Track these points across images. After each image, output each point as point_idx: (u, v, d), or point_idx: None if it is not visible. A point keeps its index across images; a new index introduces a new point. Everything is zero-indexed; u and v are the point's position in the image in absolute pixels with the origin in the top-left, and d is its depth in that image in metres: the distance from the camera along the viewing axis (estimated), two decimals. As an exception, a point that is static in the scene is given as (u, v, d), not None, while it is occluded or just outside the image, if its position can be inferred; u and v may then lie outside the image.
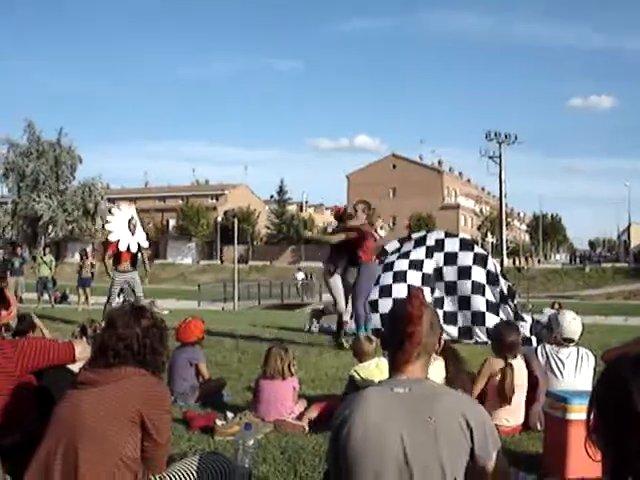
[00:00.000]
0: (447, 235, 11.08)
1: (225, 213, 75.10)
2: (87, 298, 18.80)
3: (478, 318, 9.84)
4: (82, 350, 3.44)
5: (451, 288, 10.22)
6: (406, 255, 10.70)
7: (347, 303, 8.78)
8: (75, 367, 3.28)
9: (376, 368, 4.80)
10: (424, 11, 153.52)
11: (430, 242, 10.76)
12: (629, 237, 78.53)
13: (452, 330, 9.84)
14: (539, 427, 4.64)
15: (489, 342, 5.75)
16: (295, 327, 12.22)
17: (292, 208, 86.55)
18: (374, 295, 10.12)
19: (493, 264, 10.46)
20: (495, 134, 52.39)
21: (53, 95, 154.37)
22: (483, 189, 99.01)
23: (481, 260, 10.32)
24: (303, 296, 43.74)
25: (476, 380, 4.88)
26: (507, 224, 61.54)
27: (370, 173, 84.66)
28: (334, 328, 9.47)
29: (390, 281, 10.34)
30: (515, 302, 10.36)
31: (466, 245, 10.71)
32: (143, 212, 12.52)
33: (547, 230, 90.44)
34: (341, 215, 9.04)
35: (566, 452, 3.70)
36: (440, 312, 9.45)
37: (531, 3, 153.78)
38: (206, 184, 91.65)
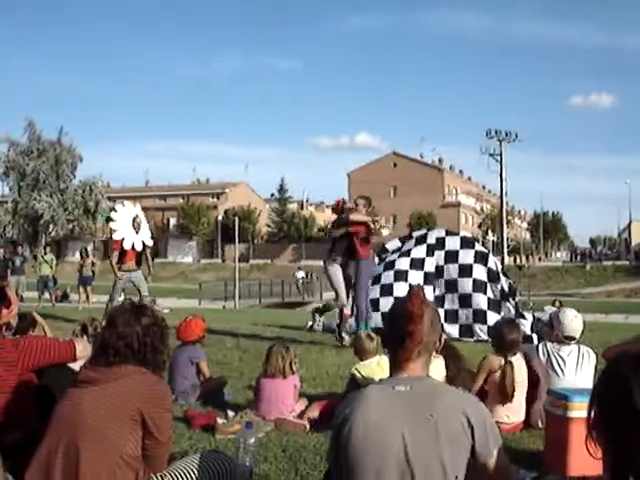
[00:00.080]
0: (448, 233, 11.08)
1: (226, 212, 75.13)
2: (88, 297, 18.80)
3: (479, 316, 9.84)
4: (83, 349, 3.44)
5: (452, 286, 10.22)
6: (407, 253, 10.70)
7: (348, 296, 8.78)
8: (76, 366, 3.28)
9: (377, 366, 4.80)
10: (424, 9, 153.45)
11: (431, 240, 10.76)
12: (630, 235, 78.49)
13: (453, 328, 9.84)
14: (540, 425, 4.64)
15: (490, 340, 5.76)
16: (296, 325, 12.25)
17: (293, 206, 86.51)
18: (375, 294, 10.13)
19: (494, 262, 10.46)
20: (496, 132, 52.41)
21: (53, 95, 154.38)
22: (484, 187, 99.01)
23: (482, 258, 10.33)
24: (304, 294, 43.75)
25: (475, 378, 4.88)
26: (508, 222, 61.55)
27: (371, 171, 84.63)
28: (334, 326, 9.48)
29: (391, 280, 10.35)
30: (516, 300, 10.37)
31: (467, 243, 10.71)
32: (144, 211, 12.47)
33: (548, 228, 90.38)
34: (340, 209, 9.03)
35: (567, 450, 3.71)
36: (441, 311, 9.46)
37: (531, 1, 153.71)
38: (207, 183, 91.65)
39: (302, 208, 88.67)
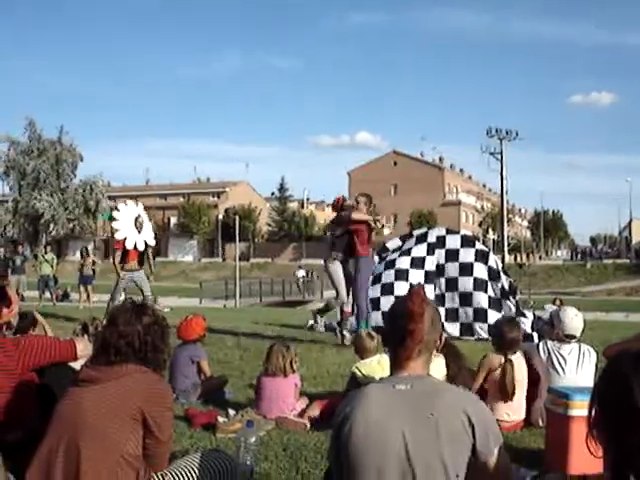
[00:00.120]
0: (448, 232, 11.07)
1: (226, 210, 75.13)
2: (89, 296, 18.81)
3: (480, 315, 9.83)
4: (83, 348, 3.45)
5: (452, 284, 10.21)
6: (407, 252, 10.69)
7: (348, 293, 8.79)
8: (77, 365, 3.28)
9: (378, 365, 4.80)
10: (424, 8, 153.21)
11: (431, 239, 10.76)
12: (630, 233, 78.46)
13: (453, 327, 9.84)
14: (541, 423, 4.64)
15: (490, 339, 5.76)
16: (297, 324, 12.25)
17: (293, 205, 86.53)
18: (376, 293, 10.13)
19: (494, 260, 10.46)
20: (496, 130, 52.30)
21: (53, 94, 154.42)
22: (484, 186, 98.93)
23: (482, 257, 10.32)
24: (304, 293, 43.76)
25: (475, 376, 4.89)
26: (508, 220, 61.45)
27: (371, 170, 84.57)
28: (335, 325, 9.48)
29: (392, 279, 10.34)
30: (516, 298, 10.36)
31: (467, 242, 10.71)
32: (144, 210, 12.51)
33: (548, 226, 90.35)
34: (340, 206, 9.03)
35: (568, 448, 3.70)
36: (441, 309, 9.46)
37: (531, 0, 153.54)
38: (207, 182, 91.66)
39: (302, 207, 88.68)
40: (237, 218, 49.30)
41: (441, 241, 10.67)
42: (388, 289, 10.12)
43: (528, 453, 4.17)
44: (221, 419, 4.72)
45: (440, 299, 9.98)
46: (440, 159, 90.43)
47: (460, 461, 2.14)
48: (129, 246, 10.90)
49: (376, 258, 10.75)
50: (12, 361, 3.19)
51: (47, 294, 19.23)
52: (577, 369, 4.77)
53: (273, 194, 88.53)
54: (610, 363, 1.72)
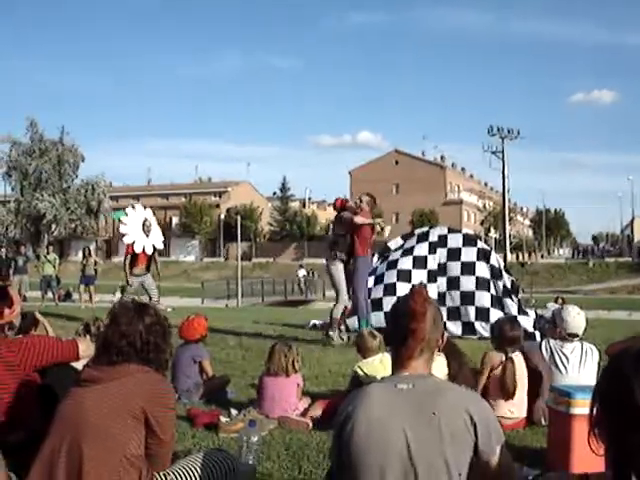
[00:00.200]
0: (450, 231, 11.07)
1: (228, 210, 75.17)
2: (91, 296, 18.81)
3: (482, 314, 9.82)
4: (86, 348, 3.45)
5: (454, 283, 10.21)
6: (409, 252, 10.68)
7: (348, 291, 8.78)
8: (79, 365, 3.28)
9: (380, 364, 4.80)
10: (424, 7, 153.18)
11: (433, 238, 10.75)
12: (632, 231, 78.34)
13: (455, 326, 9.83)
14: (543, 422, 4.64)
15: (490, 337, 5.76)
16: (299, 324, 12.24)
17: (295, 205, 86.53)
18: (378, 293, 10.13)
19: (496, 259, 10.45)
20: (497, 129, 52.17)
21: (54, 95, 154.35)
22: (486, 184, 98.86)
23: (484, 255, 10.32)
24: (306, 293, 43.77)
25: (479, 375, 4.89)
26: (510, 219, 61.36)
27: (373, 169, 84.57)
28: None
29: (394, 279, 10.33)
30: (518, 297, 10.35)
31: (469, 241, 10.70)
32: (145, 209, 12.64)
33: (550, 225, 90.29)
34: (343, 207, 9.03)
35: (570, 447, 3.70)
36: (443, 309, 9.45)
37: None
38: (209, 181, 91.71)
39: (304, 206, 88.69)
40: (239, 218, 49.34)
41: (443, 240, 10.66)
42: (390, 289, 10.11)
43: (530, 452, 4.17)
44: (223, 419, 4.72)
45: (442, 298, 9.97)
46: (442, 158, 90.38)
47: (462, 460, 2.14)
48: (138, 250, 10.95)
49: (376, 258, 10.76)
50: (14, 361, 3.20)
51: (49, 294, 19.24)
52: (579, 368, 4.77)
53: (275, 194, 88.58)
54: (611, 361, 1.72)
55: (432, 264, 10.47)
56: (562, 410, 3.87)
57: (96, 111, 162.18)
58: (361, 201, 8.86)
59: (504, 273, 10.29)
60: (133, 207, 11.87)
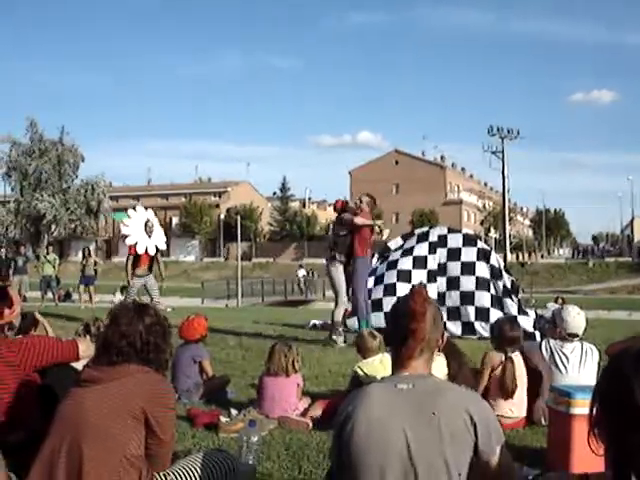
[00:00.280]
0: (450, 231, 11.06)
1: (228, 210, 75.16)
2: (91, 297, 18.81)
3: (482, 314, 9.81)
4: (86, 348, 3.45)
5: (453, 283, 10.20)
6: (409, 252, 10.68)
7: (348, 293, 8.78)
8: (79, 365, 3.28)
9: (380, 364, 4.80)
10: (424, 7, 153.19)
11: (433, 238, 10.75)
12: (632, 231, 78.34)
13: (455, 326, 9.82)
14: (543, 422, 4.65)
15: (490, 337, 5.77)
16: (299, 324, 12.24)
17: (295, 205, 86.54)
18: (378, 294, 10.12)
19: (496, 259, 10.45)
20: (497, 129, 52.18)
21: (54, 95, 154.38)
22: (486, 184, 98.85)
23: (484, 255, 10.31)
24: (306, 293, 43.78)
25: (480, 376, 4.90)
26: (510, 219, 61.36)
27: (373, 169, 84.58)
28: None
29: (394, 280, 10.32)
30: (518, 297, 10.35)
31: (469, 241, 10.70)
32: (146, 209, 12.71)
33: (550, 225, 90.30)
34: (343, 208, 9.03)
35: (570, 447, 3.70)
36: (443, 309, 9.45)
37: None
38: (209, 182, 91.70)
39: (304, 206, 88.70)
40: (239, 218, 49.37)
41: (443, 240, 10.66)
42: (390, 290, 10.10)
43: (530, 452, 4.17)
44: (223, 419, 4.72)
45: (441, 298, 9.96)
46: (442, 158, 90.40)
47: (462, 460, 2.15)
48: (140, 251, 10.98)
49: (376, 258, 10.76)
50: (14, 362, 3.20)
51: (49, 294, 19.25)
52: (579, 368, 4.77)
53: (275, 194, 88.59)
54: (611, 361, 1.72)
55: (432, 264, 10.46)
56: (562, 410, 3.87)
57: (96, 111, 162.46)
58: (361, 202, 8.87)
59: (504, 273, 10.28)
60: (134, 209, 11.89)
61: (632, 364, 1.61)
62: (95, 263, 19.63)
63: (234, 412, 4.97)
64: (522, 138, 53.21)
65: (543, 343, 5.02)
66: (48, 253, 20.20)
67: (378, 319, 8.96)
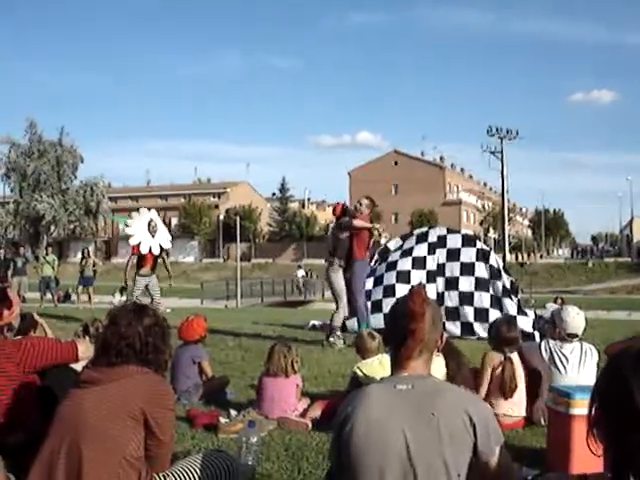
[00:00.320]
0: (449, 231, 11.07)
1: (227, 211, 75.17)
2: (90, 297, 18.81)
3: (482, 314, 9.82)
4: (85, 349, 3.45)
5: (452, 284, 10.21)
6: (409, 252, 10.68)
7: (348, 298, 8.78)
8: (78, 366, 3.28)
9: (379, 365, 4.80)
10: (424, 7, 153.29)
11: (432, 238, 10.76)
12: (631, 231, 78.35)
13: (454, 326, 9.83)
14: (543, 422, 4.64)
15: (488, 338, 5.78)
16: (298, 324, 12.24)
17: (294, 205, 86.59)
18: (378, 295, 10.13)
19: (495, 260, 10.45)
20: (497, 129, 52.23)
21: (53, 95, 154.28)
22: (485, 185, 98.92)
23: (483, 256, 10.32)
24: (305, 293, 43.80)
25: (480, 376, 4.90)
26: (509, 219, 61.46)
27: (372, 170, 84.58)
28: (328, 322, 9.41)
29: (393, 281, 10.33)
30: (518, 297, 10.35)
31: (468, 241, 10.71)
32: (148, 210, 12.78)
33: (549, 225, 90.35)
34: (341, 212, 9.03)
35: (570, 447, 3.70)
36: (442, 309, 9.45)
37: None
38: (208, 182, 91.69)
39: (303, 207, 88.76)
40: (238, 218, 49.38)
41: (442, 240, 10.67)
42: (390, 291, 10.11)
43: (530, 452, 4.17)
44: (223, 420, 4.72)
45: (440, 298, 9.97)
46: (441, 158, 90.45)
47: (461, 461, 2.14)
48: (144, 250, 11.01)
49: (375, 259, 10.77)
50: (13, 363, 3.20)
51: (48, 295, 19.24)
52: (579, 368, 4.78)
53: (274, 194, 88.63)
54: (610, 362, 1.72)
55: (431, 265, 10.47)
56: (561, 410, 3.87)
57: (96, 111, 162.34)
58: (360, 205, 8.87)
59: (503, 273, 10.29)
60: (138, 212, 11.96)
61: (631, 364, 1.61)
62: (94, 264, 19.65)
63: (233, 413, 4.97)
64: (521, 138, 53.33)
65: (542, 343, 5.02)
66: (47, 254, 20.20)
67: (377, 320, 8.94)
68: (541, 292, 37.81)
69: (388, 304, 9.66)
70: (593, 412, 1.67)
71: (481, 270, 10.16)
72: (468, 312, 9.94)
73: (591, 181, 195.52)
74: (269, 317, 15.51)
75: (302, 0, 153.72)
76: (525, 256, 68.00)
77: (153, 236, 11.22)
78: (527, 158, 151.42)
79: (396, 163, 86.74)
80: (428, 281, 10.07)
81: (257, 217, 77.78)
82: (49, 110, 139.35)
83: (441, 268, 10.40)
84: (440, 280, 10.30)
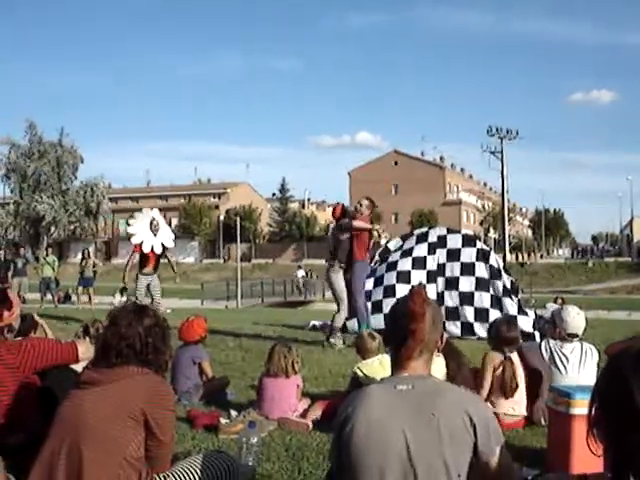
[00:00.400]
0: (449, 231, 11.07)
1: (227, 211, 75.18)
2: (90, 298, 18.80)
3: (482, 314, 9.81)
4: (85, 350, 3.45)
5: (452, 284, 10.21)
6: (409, 252, 10.68)
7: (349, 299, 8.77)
8: (78, 367, 3.28)
9: (379, 365, 4.80)
10: (424, 7, 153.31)
11: (432, 238, 10.75)
12: (631, 231, 78.36)
13: (454, 326, 9.82)
14: (543, 422, 4.64)
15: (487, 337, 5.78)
16: (298, 325, 12.24)
17: (294, 206, 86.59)
18: (378, 295, 10.12)
19: (495, 260, 10.45)
20: (497, 130, 52.23)
21: (53, 95, 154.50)
22: (485, 185, 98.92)
23: (483, 256, 10.32)
24: (305, 294, 43.80)
25: (482, 377, 4.90)
26: (509, 219, 61.45)
27: (372, 170, 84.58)
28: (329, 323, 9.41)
29: (394, 281, 10.33)
30: (518, 297, 10.35)
31: (468, 241, 10.70)
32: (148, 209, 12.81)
33: (549, 225, 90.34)
34: (341, 213, 9.02)
35: (570, 447, 3.70)
36: (442, 308, 9.44)
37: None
38: (208, 183, 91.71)
39: (303, 207, 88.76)
40: (238, 219, 49.40)
41: (442, 241, 10.66)
42: (390, 291, 10.10)
43: (530, 452, 4.17)
44: (223, 420, 4.72)
45: (441, 298, 9.97)
46: (441, 158, 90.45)
47: (462, 461, 2.14)
48: (146, 250, 11.03)
49: (376, 259, 10.77)
50: (14, 364, 3.20)
51: (48, 296, 19.24)
52: (579, 368, 4.78)
53: (274, 195, 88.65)
54: (610, 362, 1.72)
55: (431, 265, 10.47)
56: (562, 410, 3.87)
57: (96, 111, 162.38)
58: (361, 205, 8.87)
59: (503, 273, 10.28)
60: (140, 211, 12.01)
61: (631, 364, 1.61)
62: (94, 265, 19.64)
63: (234, 413, 4.97)
64: (521, 138, 53.36)
65: (543, 343, 5.03)
66: (47, 255, 20.20)
67: (378, 321, 8.94)
68: (541, 292, 37.80)
69: (388, 304, 9.64)
70: (593, 412, 1.67)
71: (481, 270, 10.16)
72: (468, 312, 9.94)
73: (591, 181, 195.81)
74: (269, 317, 15.51)
75: (302, 0, 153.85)
76: (525, 256, 68.01)
77: (155, 235, 11.24)
78: (527, 158, 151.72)
79: (396, 163, 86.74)
80: (428, 281, 10.07)
81: (257, 217, 77.79)
82: (49, 111, 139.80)
83: (441, 268, 10.40)
84: (440, 280, 10.30)
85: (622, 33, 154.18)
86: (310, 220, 79.71)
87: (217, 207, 78.99)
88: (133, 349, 2.79)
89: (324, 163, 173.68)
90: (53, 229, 56.07)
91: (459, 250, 10.45)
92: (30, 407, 3.19)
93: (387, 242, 10.35)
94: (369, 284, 9.88)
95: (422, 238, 10.89)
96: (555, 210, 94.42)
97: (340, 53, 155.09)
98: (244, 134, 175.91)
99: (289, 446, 4.25)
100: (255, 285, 42.55)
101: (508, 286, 10.12)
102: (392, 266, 10.60)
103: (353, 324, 9.12)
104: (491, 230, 73.79)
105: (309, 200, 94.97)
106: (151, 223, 11.28)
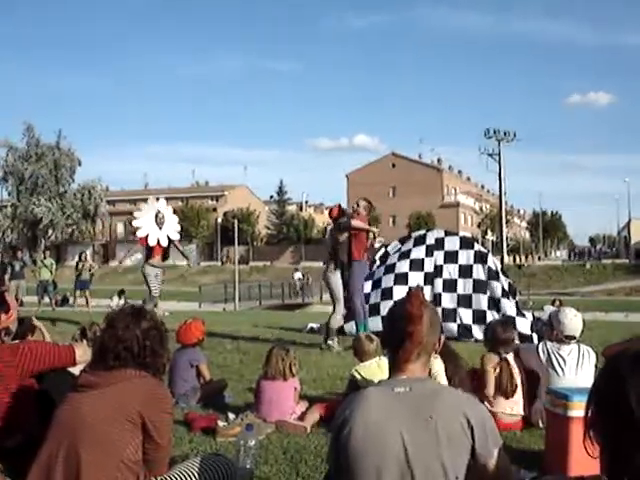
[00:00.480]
0: (447, 234, 11.08)
1: (225, 214, 75.17)
2: (87, 301, 18.78)
3: (480, 317, 9.82)
4: (83, 353, 3.45)
5: (450, 286, 10.21)
6: (406, 255, 10.69)
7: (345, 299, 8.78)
8: (76, 370, 3.28)
9: (377, 367, 4.80)
10: (422, 9, 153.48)
11: (430, 241, 10.76)
12: (629, 233, 78.45)
13: (451, 328, 9.82)
14: (541, 424, 4.65)
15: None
16: (296, 327, 12.23)
17: (292, 208, 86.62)
18: (376, 298, 10.12)
19: (493, 262, 10.46)
20: (494, 132, 52.41)
21: (52, 96, 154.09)
22: (483, 187, 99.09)
23: (481, 258, 10.33)
24: (303, 296, 43.77)
25: (483, 378, 4.91)
26: (507, 222, 61.57)
27: (370, 172, 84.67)
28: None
29: (391, 283, 10.33)
30: (516, 299, 10.35)
31: (466, 243, 10.71)
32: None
33: (547, 227, 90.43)
34: (338, 214, 9.02)
35: (567, 449, 3.70)
36: (438, 309, 9.44)
37: (529, 0, 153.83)
38: (206, 185, 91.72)
39: (301, 210, 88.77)
40: (236, 221, 49.39)
41: (440, 243, 10.67)
42: (388, 294, 10.11)
43: (528, 454, 4.17)
44: (221, 423, 4.71)
45: (438, 300, 9.97)
46: (438, 161, 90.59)
47: (460, 463, 2.14)
48: (152, 242, 11.05)
49: (376, 259, 10.78)
50: (11, 367, 3.19)
51: (46, 299, 19.20)
52: (576, 370, 4.78)
53: (272, 197, 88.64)
54: (608, 363, 1.72)
55: (429, 267, 10.47)
56: (559, 412, 3.87)
57: (94, 113, 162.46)
58: (358, 206, 8.88)
59: (501, 275, 10.29)
60: (146, 202, 11.96)
61: (629, 365, 1.62)
62: (90, 267, 19.62)
63: (231, 416, 4.96)
64: (519, 140, 53.66)
65: (540, 345, 5.03)
66: (45, 258, 20.16)
67: (375, 323, 8.92)
68: (539, 294, 37.82)
69: (386, 307, 9.66)
70: (590, 413, 1.67)
71: (479, 272, 10.16)
72: (466, 314, 9.94)
73: (589, 183, 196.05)
74: (267, 320, 15.50)
75: (302, 0, 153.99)
76: (523, 258, 68.09)
77: (160, 228, 11.24)
78: (524, 160, 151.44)
79: (394, 166, 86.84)
80: (426, 283, 10.08)
81: (255, 220, 77.78)
82: (47, 112, 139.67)
83: (439, 270, 10.40)
84: (438, 281, 10.31)
85: (620, 34, 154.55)
86: (308, 223, 79.75)
87: (215, 210, 78.97)
88: (131, 352, 2.79)
89: (322, 166, 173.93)
90: (51, 232, 55.94)
91: (457, 252, 10.45)
92: (27, 410, 3.19)
93: (381, 246, 10.36)
94: (367, 286, 9.88)
95: (420, 240, 10.89)
96: (552, 212, 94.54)
97: (339, 53, 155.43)
98: (242, 137, 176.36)
99: (287, 449, 4.25)
100: (253, 288, 42.50)
101: (506, 288, 10.12)
102: (390, 268, 10.60)
103: (351, 327, 9.12)
104: (489, 232, 73.88)
105: (307, 203, 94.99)
106: (156, 216, 11.29)
